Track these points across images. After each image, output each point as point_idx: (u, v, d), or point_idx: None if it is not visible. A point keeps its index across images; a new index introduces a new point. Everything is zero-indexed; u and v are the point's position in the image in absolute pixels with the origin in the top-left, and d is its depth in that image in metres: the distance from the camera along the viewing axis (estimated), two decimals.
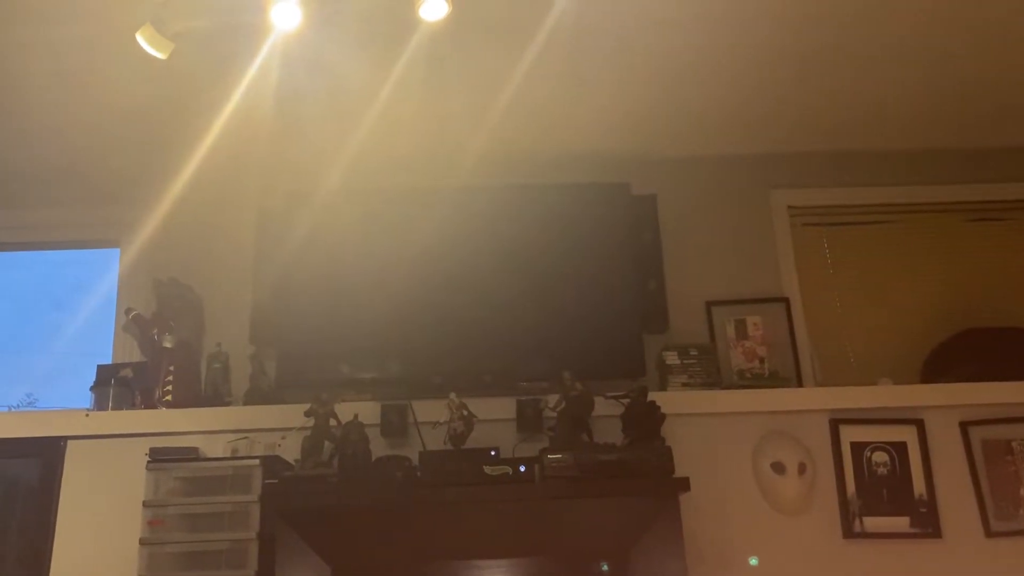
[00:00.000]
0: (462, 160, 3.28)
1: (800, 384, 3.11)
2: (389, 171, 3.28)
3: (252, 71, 2.68)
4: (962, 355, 3.08)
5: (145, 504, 2.49)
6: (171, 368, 2.93)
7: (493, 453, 2.62)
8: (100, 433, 2.84)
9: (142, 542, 2.45)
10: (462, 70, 2.81)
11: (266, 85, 2.76)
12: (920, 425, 2.93)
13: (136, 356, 3.07)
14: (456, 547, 2.60)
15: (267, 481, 2.51)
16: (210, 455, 2.74)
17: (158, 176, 3.21)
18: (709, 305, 3.22)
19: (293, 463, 2.62)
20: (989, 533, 2.84)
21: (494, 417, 2.85)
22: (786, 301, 3.23)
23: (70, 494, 2.79)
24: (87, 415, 2.88)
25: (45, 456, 2.82)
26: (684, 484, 2.56)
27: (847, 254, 3.38)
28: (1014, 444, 2.93)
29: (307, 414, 2.64)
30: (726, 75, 2.93)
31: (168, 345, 2.96)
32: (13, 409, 3.13)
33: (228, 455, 2.70)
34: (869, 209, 3.42)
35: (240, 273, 3.16)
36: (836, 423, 2.93)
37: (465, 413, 2.69)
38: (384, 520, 2.54)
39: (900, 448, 2.91)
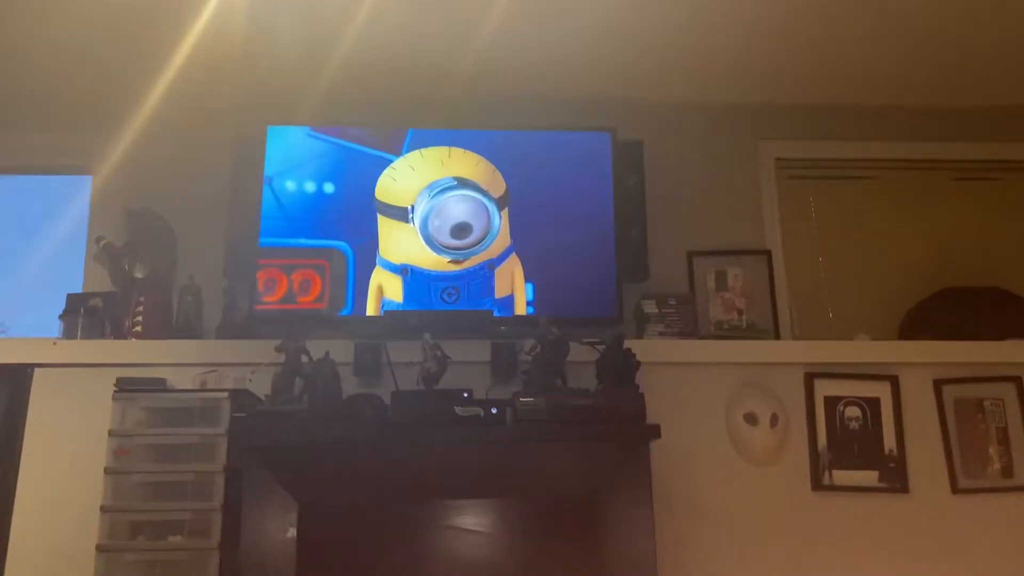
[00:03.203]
0: (444, 98, 3.21)
1: (777, 337, 3.10)
2: (366, 101, 3.19)
3: None
4: (940, 313, 3.07)
5: (111, 433, 2.46)
6: (141, 299, 2.89)
7: (465, 395, 2.60)
8: (68, 362, 2.81)
9: (107, 471, 2.43)
10: None
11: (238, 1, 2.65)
12: (894, 381, 2.94)
13: (107, 286, 3.01)
14: (425, 487, 2.58)
15: (235, 415, 2.49)
16: (180, 388, 2.71)
17: (128, 99, 3.09)
18: (690, 255, 3.19)
19: (263, 398, 2.60)
20: (956, 490, 2.87)
21: (469, 359, 2.82)
22: (768, 254, 3.20)
23: (37, 422, 2.76)
24: (55, 343, 2.84)
25: (12, 383, 2.79)
26: (655, 431, 2.55)
27: (832, 209, 3.35)
28: (986, 403, 2.95)
29: (278, 349, 2.60)
30: (716, 22, 2.86)
31: (139, 275, 2.91)
32: None
33: (197, 387, 2.67)
34: (856, 164, 3.38)
35: (215, 204, 3.09)
36: (811, 377, 2.93)
37: (439, 354, 2.66)
38: (353, 458, 2.52)
39: (873, 404, 2.92)
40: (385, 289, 2.89)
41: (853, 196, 3.36)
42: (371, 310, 2.86)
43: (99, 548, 2.36)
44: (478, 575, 2.55)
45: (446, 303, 2.89)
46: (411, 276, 2.91)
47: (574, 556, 2.60)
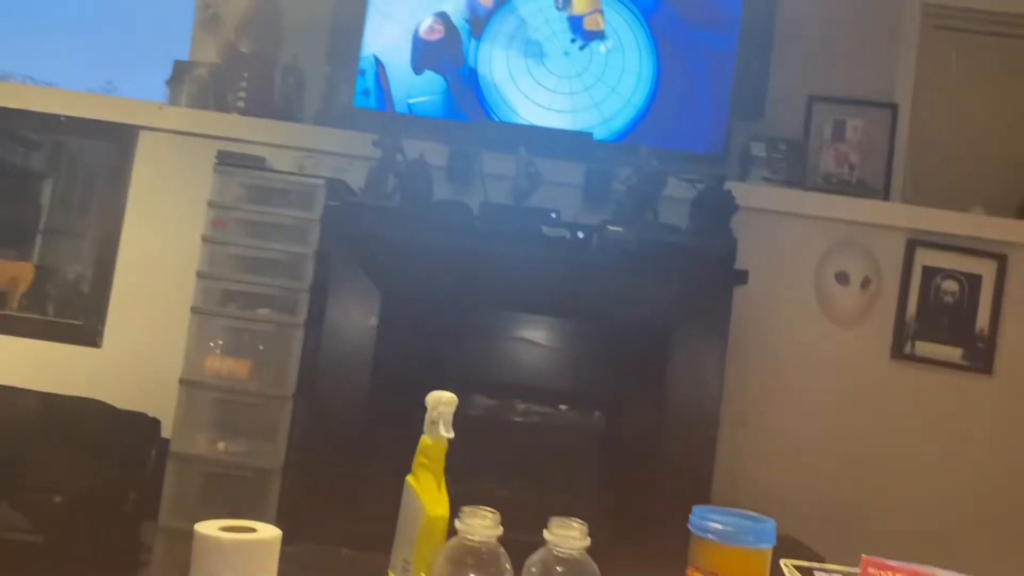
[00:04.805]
0: None
1: (886, 198, 2.94)
2: None
3: None
4: None
5: (210, 204, 2.53)
6: (245, 74, 2.87)
7: (553, 215, 2.58)
8: (173, 128, 2.85)
9: (205, 239, 2.52)
10: None
11: None
12: (1002, 261, 2.79)
13: (213, 56, 3.00)
14: (502, 299, 2.62)
15: (330, 202, 2.52)
16: (278, 168, 2.74)
17: None
18: (811, 100, 3.00)
19: (357, 191, 2.62)
20: None
21: (562, 181, 2.77)
22: (894, 108, 2.99)
23: (140, 184, 2.85)
24: (161, 108, 2.88)
25: (118, 141, 2.86)
26: (741, 277, 2.51)
27: (975, 67, 3.07)
28: None
29: (376, 144, 2.59)
30: None
31: (244, 50, 2.88)
32: (91, 92, 3.13)
33: (295, 170, 2.70)
34: (1015, 20, 3.06)
35: None
36: (913, 244, 2.81)
37: (532, 171, 2.62)
38: (437, 260, 2.56)
39: (974, 281, 2.80)
40: None
41: (1001, 56, 3.06)
42: None
43: (194, 310, 2.50)
44: (542, 386, 2.63)
45: None
46: None
47: (638, 384, 2.64)
